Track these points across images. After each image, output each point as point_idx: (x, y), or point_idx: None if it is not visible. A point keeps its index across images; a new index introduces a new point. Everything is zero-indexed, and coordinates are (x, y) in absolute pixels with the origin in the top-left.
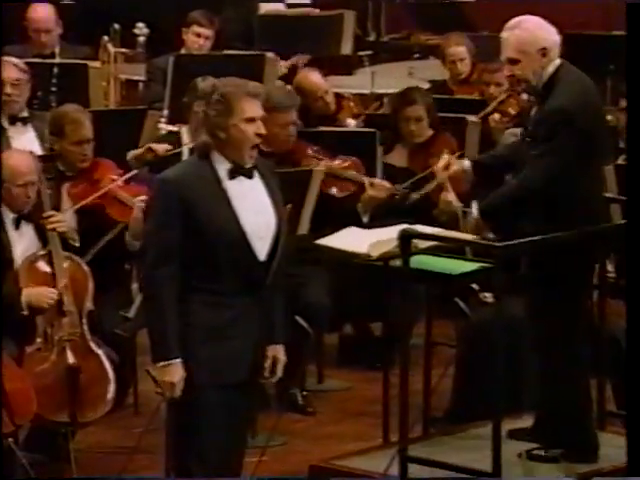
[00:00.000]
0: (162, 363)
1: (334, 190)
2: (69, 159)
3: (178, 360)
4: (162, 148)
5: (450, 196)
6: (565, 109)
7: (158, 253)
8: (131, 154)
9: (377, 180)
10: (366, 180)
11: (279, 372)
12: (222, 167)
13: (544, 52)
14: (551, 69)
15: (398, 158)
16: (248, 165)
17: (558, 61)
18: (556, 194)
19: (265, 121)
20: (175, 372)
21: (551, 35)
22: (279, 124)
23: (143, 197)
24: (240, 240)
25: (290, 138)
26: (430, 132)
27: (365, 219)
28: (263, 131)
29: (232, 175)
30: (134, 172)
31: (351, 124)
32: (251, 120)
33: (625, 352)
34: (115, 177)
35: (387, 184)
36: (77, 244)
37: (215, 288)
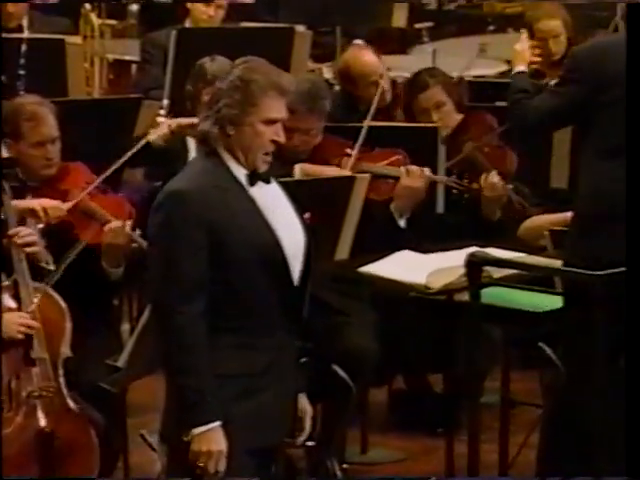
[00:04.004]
0: (202, 428)
1: (373, 194)
2: (30, 165)
3: (219, 423)
4: None
5: (494, 177)
6: (577, 55)
7: (181, 288)
8: (160, 131)
9: (414, 167)
10: (402, 170)
11: (308, 427)
12: (239, 171)
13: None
14: None
15: (449, 180)
16: (262, 170)
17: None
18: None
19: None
20: (220, 438)
21: None
22: (296, 129)
23: (124, 212)
24: (278, 261)
25: (308, 148)
26: (459, 117)
27: (402, 223)
28: (282, 138)
29: (252, 181)
30: (107, 174)
31: None
32: (272, 122)
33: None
34: (87, 186)
35: (426, 170)
36: (51, 267)
37: (246, 326)
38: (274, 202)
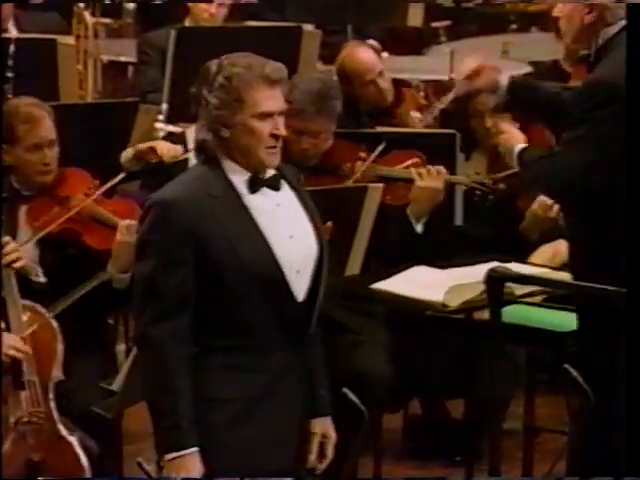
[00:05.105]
0: (173, 455)
1: (390, 198)
2: (26, 172)
3: (195, 449)
4: (169, 150)
5: (549, 199)
6: (608, 82)
7: (159, 305)
8: (127, 155)
9: (429, 167)
10: (414, 171)
11: (330, 454)
12: (238, 177)
13: (592, 7)
14: (611, 32)
15: (478, 169)
16: (268, 174)
17: (623, 23)
18: None
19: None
20: (193, 466)
21: None
22: (304, 132)
23: (135, 216)
24: (274, 276)
25: (318, 153)
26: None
27: (419, 228)
28: (283, 131)
29: (253, 188)
30: (118, 179)
31: (416, 118)
32: (266, 116)
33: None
34: (89, 191)
35: (442, 169)
36: (41, 279)
37: (240, 345)
38: (280, 211)
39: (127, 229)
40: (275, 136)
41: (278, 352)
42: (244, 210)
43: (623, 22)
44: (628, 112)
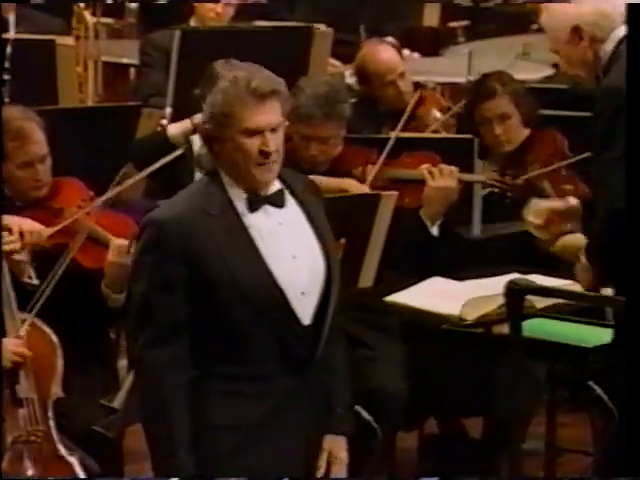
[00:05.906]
0: None
1: (407, 201)
2: (17, 187)
3: None
4: None
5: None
6: (617, 89)
7: (155, 328)
8: (183, 127)
9: (441, 165)
10: (425, 170)
11: (334, 475)
12: (238, 195)
13: (580, 34)
14: (610, 46)
15: (489, 177)
16: (265, 192)
17: (621, 33)
18: None
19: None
20: None
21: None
22: (313, 137)
23: (130, 233)
24: (274, 299)
25: (328, 159)
26: (526, 132)
27: (434, 231)
28: (271, 148)
29: (253, 206)
30: (114, 192)
31: (434, 119)
32: (254, 132)
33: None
34: (84, 203)
35: (454, 168)
36: (34, 281)
37: (241, 372)
38: (283, 230)
39: (119, 249)
40: (265, 153)
41: (281, 378)
42: (242, 229)
43: (617, 32)
44: (629, 114)
